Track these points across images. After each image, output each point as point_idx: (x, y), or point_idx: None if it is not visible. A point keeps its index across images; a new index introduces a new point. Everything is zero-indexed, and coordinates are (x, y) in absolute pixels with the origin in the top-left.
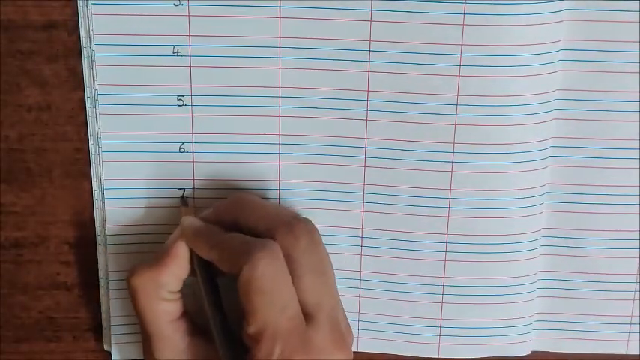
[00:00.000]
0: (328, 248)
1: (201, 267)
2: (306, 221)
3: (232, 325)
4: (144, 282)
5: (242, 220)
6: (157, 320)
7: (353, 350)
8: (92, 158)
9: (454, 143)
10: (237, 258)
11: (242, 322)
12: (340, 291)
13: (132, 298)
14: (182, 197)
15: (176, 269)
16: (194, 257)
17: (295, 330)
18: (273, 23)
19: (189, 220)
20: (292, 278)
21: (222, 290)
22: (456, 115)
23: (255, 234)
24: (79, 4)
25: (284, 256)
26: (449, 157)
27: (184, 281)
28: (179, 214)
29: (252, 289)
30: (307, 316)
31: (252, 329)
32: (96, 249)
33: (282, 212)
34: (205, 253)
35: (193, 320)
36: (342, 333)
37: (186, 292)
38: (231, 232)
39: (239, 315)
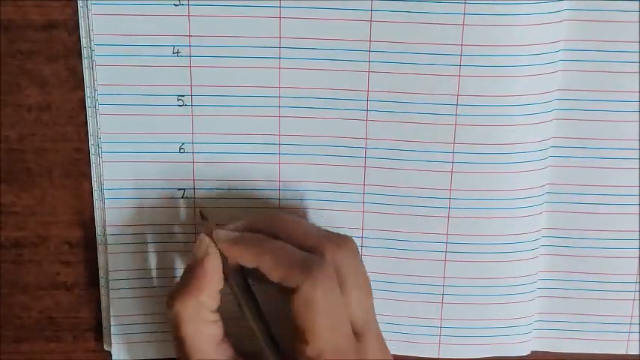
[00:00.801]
0: None
1: (237, 278)
2: (351, 239)
3: (276, 335)
4: (186, 306)
5: (284, 235)
6: (203, 345)
7: None
8: (92, 158)
9: (454, 143)
10: (295, 271)
11: (294, 337)
12: None
13: (174, 326)
14: (201, 212)
15: (214, 285)
16: (228, 269)
17: (352, 347)
18: (273, 23)
19: (224, 232)
20: (341, 293)
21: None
22: (456, 115)
23: (299, 248)
24: (79, 4)
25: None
26: (449, 157)
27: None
28: (201, 230)
29: (313, 308)
30: (357, 332)
31: (312, 351)
32: (96, 249)
33: (323, 230)
34: (253, 259)
35: (234, 343)
36: (386, 347)
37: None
38: None
39: (283, 325)
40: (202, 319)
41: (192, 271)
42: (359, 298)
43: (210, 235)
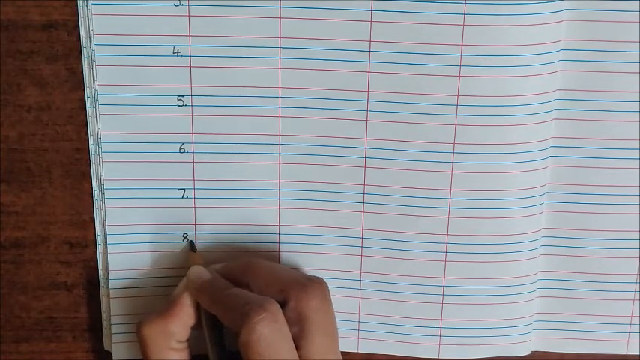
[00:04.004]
0: (329, 249)
1: (207, 317)
2: (320, 281)
3: None
4: (154, 332)
5: (254, 280)
6: None
7: (353, 351)
8: (92, 158)
9: (454, 143)
10: (237, 318)
11: None
12: (340, 292)
13: (141, 347)
14: (190, 242)
15: (185, 318)
16: (201, 307)
17: None
18: (273, 23)
19: (197, 271)
20: (302, 337)
21: (228, 339)
22: (456, 115)
23: (267, 295)
24: (79, 4)
25: (297, 315)
26: (449, 157)
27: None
28: (186, 261)
29: (251, 351)
30: None
31: None
32: (96, 249)
33: (295, 274)
34: (210, 308)
35: None
36: None
37: (192, 341)
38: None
39: None
40: (167, 346)
41: (168, 303)
42: (323, 341)
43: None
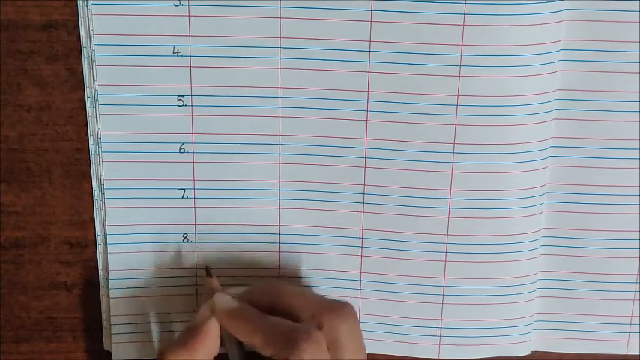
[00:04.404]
0: (329, 249)
1: (233, 345)
2: (350, 306)
3: None
4: None
5: (281, 305)
6: None
7: None
8: (92, 158)
9: (454, 143)
10: (283, 346)
11: None
12: (340, 292)
13: None
14: (206, 268)
15: (210, 347)
16: (225, 335)
17: None
18: (273, 23)
19: (224, 299)
20: None
21: None
22: (456, 115)
23: (297, 319)
24: (79, 4)
25: (330, 339)
26: (449, 157)
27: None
28: (204, 288)
29: None
30: None
31: None
32: (96, 249)
33: (323, 298)
34: (245, 336)
35: None
36: None
37: None
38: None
39: None
40: None
41: (191, 331)
42: None
43: (211, 293)
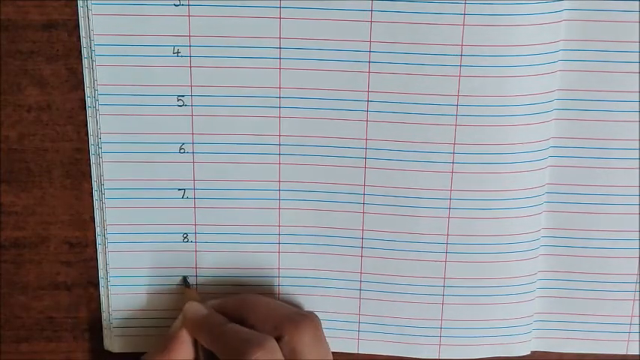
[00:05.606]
0: (329, 250)
1: (204, 353)
2: (312, 316)
3: None
4: None
5: (250, 317)
6: None
7: (354, 352)
8: (92, 158)
9: (454, 143)
10: (235, 355)
11: None
12: (340, 292)
13: None
14: (184, 278)
15: (183, 355)
16: (198, 343)
17: None
18: (273, 23)
19: (193, 308)
20: None
21: None
22: (456, 115)
23: (262, 330)
24: (79, 4)
25: (290, 351)
26: (449, 157)
27: None
28: (182, 298)
29: None
30: None
31: None
32: (96, 249)
33: (287, 309)
34: (209, 344)
35: None
36: None
37: None
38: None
39: None
40: None
41: (165, 340)
42: None
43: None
